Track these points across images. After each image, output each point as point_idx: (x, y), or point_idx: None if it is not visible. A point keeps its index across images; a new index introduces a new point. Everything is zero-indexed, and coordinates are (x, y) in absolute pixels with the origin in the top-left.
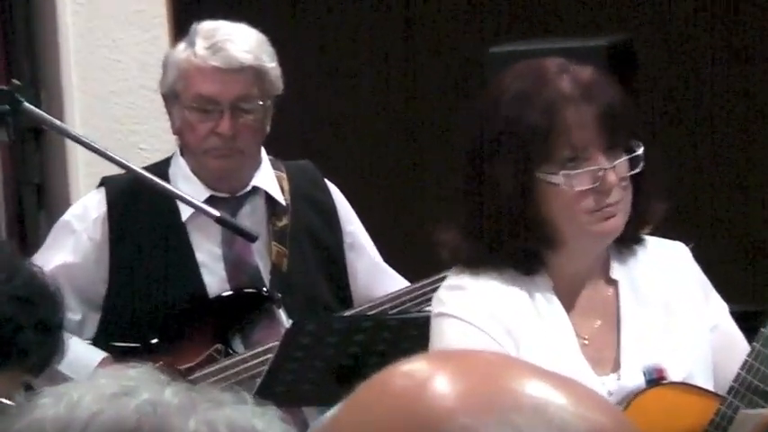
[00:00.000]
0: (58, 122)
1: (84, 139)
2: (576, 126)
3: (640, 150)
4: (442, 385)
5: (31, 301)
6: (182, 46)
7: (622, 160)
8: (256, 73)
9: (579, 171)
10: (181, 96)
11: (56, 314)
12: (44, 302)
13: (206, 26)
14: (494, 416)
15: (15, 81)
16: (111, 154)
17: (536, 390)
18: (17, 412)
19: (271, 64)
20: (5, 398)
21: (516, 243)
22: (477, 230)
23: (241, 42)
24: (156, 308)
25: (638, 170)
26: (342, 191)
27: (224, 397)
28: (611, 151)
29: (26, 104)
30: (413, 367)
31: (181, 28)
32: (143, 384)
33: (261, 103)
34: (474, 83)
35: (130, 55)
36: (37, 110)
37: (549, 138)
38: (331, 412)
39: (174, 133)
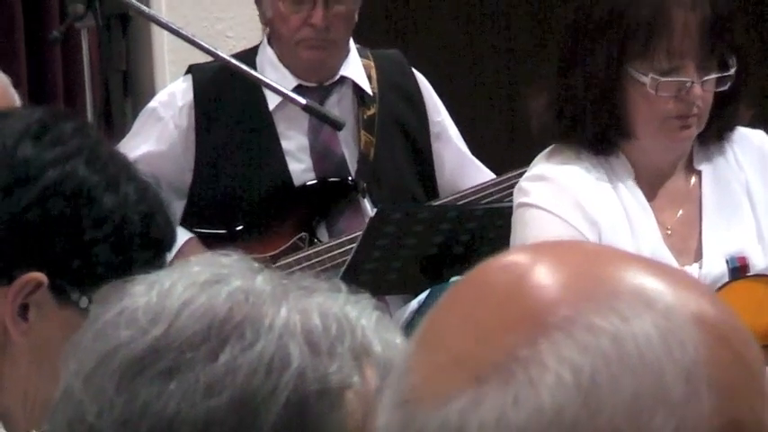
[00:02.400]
0: (145, 8)
1: (171, 25)
2: (679, 33)
3: (733, 70)
4: (542, 277)
5: (157, 221)
6: None
7: (713, 77)
8: None
9: (668, 79)
10: None
11: (172, 238)
12: (165, 224)
13: None
14: (596, 304)
15: None
16: (199, 41)
17: (637, 277)
18: (110, 300)
19: None
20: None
21: (595, 129)
22: (563, 106)
23: None
24: (241, 195)
25: (724, 88)
26: (430, 80)
27: (317, 285)
28: (706, 63)
29: None
30: (511, 260)
31: None
32: (235, 272)
33: None
34: None
35: None
36: None
37: (648, 39)
38: (431, 311)
39: (264, 23)
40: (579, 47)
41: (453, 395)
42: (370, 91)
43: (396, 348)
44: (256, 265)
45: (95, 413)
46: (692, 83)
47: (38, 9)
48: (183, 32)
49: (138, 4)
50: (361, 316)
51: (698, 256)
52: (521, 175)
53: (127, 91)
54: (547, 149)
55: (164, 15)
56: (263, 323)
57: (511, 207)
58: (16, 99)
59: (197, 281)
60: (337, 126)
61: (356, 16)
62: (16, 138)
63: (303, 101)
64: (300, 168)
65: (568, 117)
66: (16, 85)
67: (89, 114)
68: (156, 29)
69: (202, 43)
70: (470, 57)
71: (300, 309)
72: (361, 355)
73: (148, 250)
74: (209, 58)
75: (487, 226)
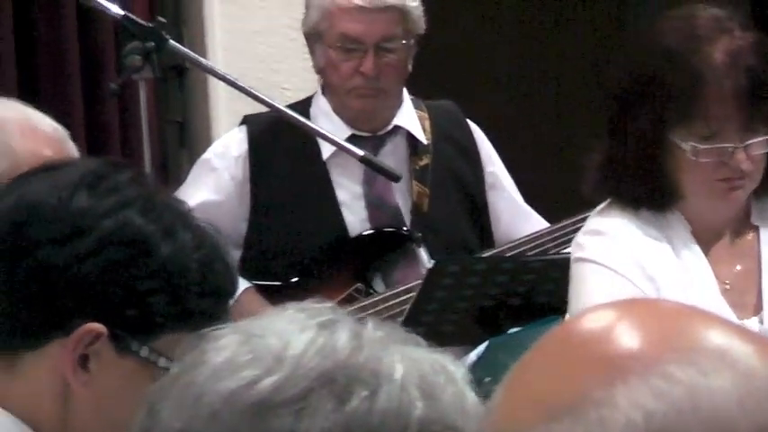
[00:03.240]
0: (202, 60)
1: (227, 77)
2: (715, 100)
3: None
4: (626, 328)
5: (215, 268)
6: None
7: (757, 141)
8: (400, 12)
9: (708, 146)
10: (324, 36)
11: (232, 284)
12: (225, 271)
13: None
14: (677, 355)
15: (160, 18)
16: (255, 91)
17: (719, 335)
18: (196, 350)
19: (413, 3)
20: (170, 357)
21: (644, 190)
22: (613, 167)
23: None
24: (296, 246)
25: None
26: (484, 132)
27: (409, 336)
28: (749, 126)
29: (171, 42)
30: (597, 314)
31: None
32: (342, 317)
33: (404, 42)
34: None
35: None
36: (182, 47)
37: (685, 106)
38: (516, 364)
39: (317, 72)
40: (624, 111)
41: (525, 430)
42: (424, 140)
43: (472, 396)
44: (349, 313)
45: None
46: (735, 148)
47: (95, 61)
48: (240, 84)
49: (195, 55)
50: (454, 366)
51: (757, 310)
52: (574, 223)
53: (183, 142)
54: (603, 204)
55: (220, 67)
56: (383, 369)
57: (567, 258)
58: (74, 152)
59: (311, 324)
60: (394, 178)
61: (409, 66)
62: (71, 189)
63: (360, 152)
64: (355, 219)
65: (618, 178)
66: (74, 138)
67: (146, 165)
68: (212, 80)
69: (259, 94)
70: (525, 108)
71: (411, 357)
72: (462, 401)
73: (208, 298)
74: (265, 109)
75: (544, 278)
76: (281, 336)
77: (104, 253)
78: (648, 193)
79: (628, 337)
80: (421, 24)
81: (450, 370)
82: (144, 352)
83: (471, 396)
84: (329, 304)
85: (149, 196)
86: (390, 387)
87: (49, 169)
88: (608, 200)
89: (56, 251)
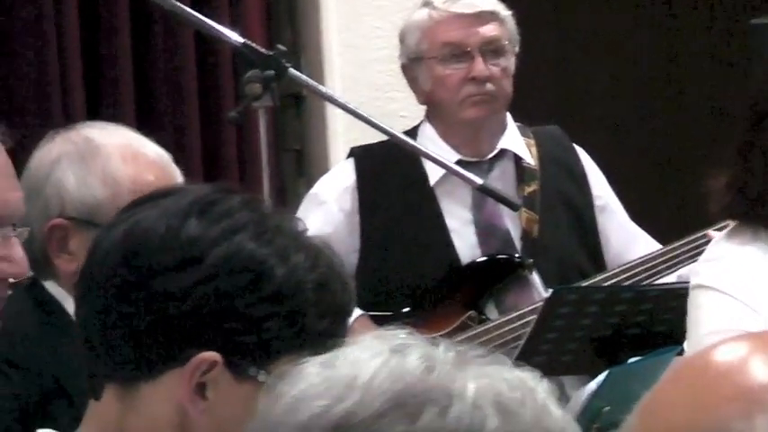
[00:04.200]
0: (321, 88)
1: (346, 104)
2: None
3: None
4: (763, 362)
5: (332, 288)
6: (417, 11)
7: None
8: (497, 17)
9: None
10: (427, 53)
11: (350, 302)
12: (342, 290)
13: None
14: None
15: (280, 46)
16: (374, 120)
17: None
18: (289, 377)
19: (506, 12)
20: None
21: None
22: (744, 188)
23: None
24: (407, 275)
25: None
26: (591, 156)
27: (486, 354)
28: None
29: (291, 69)
30: (730, 347)
31: None
32: (415, 342)
33: (506, 43)
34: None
35: (392, 23)
36: (301, 75)
37: None
38: (653, 387)
39: (422, 101)
40: (758, 129)
41: None
42: (531, 162)
43: (557, 412)
44: (428, 337)
45: None
46: None
47: (213, 89)
48: (358, 111)
49: (314, 83)
50: (536, 383)
51: None
52: (685, 245)
53: (301, 170)
54: (724, 231)
55: (338, 94)
56: (454, 388)
57: (686, 287)
58: (178, 176)
59: (382, 349)
60: (514, 207)
61: (512, 71)
62: (181, 216)
63: (479, 180)
64: (465, 245)
65: (750, 198)
66: (191, 166)
67: (265, 193)
68: (330, 108)
69: (376, 122)
70: (636, 132)
71: (485, 375)
72: (541, 419)
73: (326, 318)
74: (382, 138)
75: (662, 307)
76: (353, 363)
77: (217, 280)
78: None
79: (764, 369)
80: (516, 36)
81: (530, 386)
82: (262, 376)
83: (556, 412)
84: (406, 330)
85: (261, 219)
86: (462, 404)
87: (158, 197)
88: (728, 226)
89: (168, 281)
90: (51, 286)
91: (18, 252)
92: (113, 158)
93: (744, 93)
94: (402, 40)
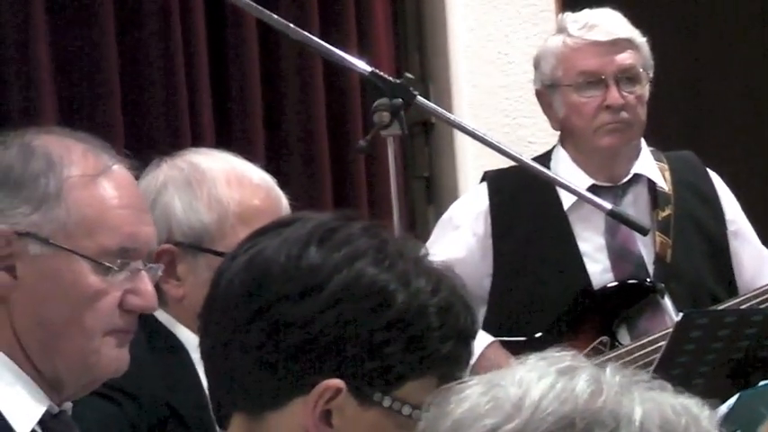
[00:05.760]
0: (449, 115)
1: (474, 131)
2: None
3: None
4: None
5: (454, 311)
6: (552, 38)
7: None
8: (632, 44)
9: None
10: (563, 80)
11: (473, 324)
12: (465, 312)
13: (571, 15)
14: None
15: (408, 74)
16: (503, 146)
17: None
18: (445, 400)
19: (641, 39)
20: (419, 405)
21: None
22: None
23: (610, 18)
24: (540, 300)
25: None
26: (724, 180)
27: (652, 381)
28: None
29: (419, 98)
30: None
31: None
32: (582, 363)
33: (642, 71)
34: None
35: (520, 49)
36: (429, 103)
37: None
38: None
39: (557, 126)
40: None
41: None
42: (665, 187)
43: None
44: (593, 359)
45: None
46: None
47: (342, 118)
48: (487, 138)
49: (442, 110)
50: (699, 409)
51: None
52: None
53: (430, 198)
54: None
55: (466, 121)
56: (622, 412)
57: None
58: (282, 198)
59: (550, 371)
60: (643, 232)
61: (646, 106)
62: (301, 244)
63: (609, 206)
64: (598, 269)
65: None
66: (321, 195)
67: (395, 221)
68: (458, 135)
69: (505, 148)
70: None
71: (651, 399)
72: None
73: (449, 342)
74: (510, 164)
75: None
76: (520, 384)
77: (339, 308)
78: None
79: None
80: (651, 62)
81: (694, 412)
82: (387, 402)
83: None
84: (571, 352)
85: (381, 246)
86: (629, 428)
87: (279, 226)
88: None
89: (290, 309)
90: (160, 314)
91: (147, 286)
92: (219, 183)
93: None
94: (536, 66)
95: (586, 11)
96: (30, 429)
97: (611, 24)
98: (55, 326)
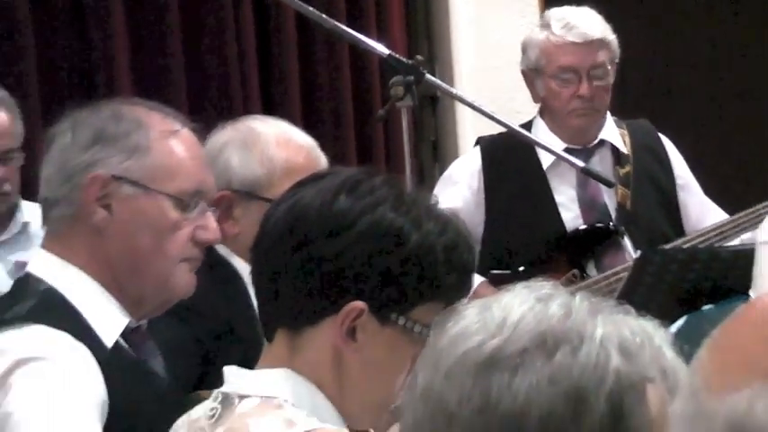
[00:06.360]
0: (452, 90)
1: (473, 104)
2: None
3: None
4: None
5: (458, 249)
6: (537, 30)
7: None
8: (604, 44)
9: None
10: (545, 69)
11: (473, 260)
12: (467, 250)
13: (555, 12)
14: None
15: (419, 57)
16: (495, 115)
17: None
18: (449, 320)
19: (611, 36)
20: (428, 324)
21: None
22: None
23: (588, 20)
24: (523, 242)
25: None
26: (675, 141)
27: (614, 305)
28: None
29: (427, 76)
30: None
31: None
32: (557, 292)
33: (609, 67)
34: None
35: (510, 37)
36: (436, 80)
37: None
38: (722, 325)
39: (537, 101)
40: None
41: (742, 386)
42: (625, 151)
43: (671, 355)
44: (565, 289)
45: (456, 402)
46: None
47: (365, 92)
48: (483, 109)
49: (447, 86)
50: (655, 330)
51: None
52: (750, 214)
53: (436, 157)
54: None
55: (466, 95)
56: (586, 331)
57: (752, 249)
58: (322, 157)
59: (530, 297)
60: (609, 185)
61: (611, 83)
62: (332, 193)
63: (581, 164)
64: (571, 216)
65: None
66: (347, 154)
67: (407, 175)
68: (459, 106)
69: (498, 117)
70: (712, 121)
71: (612, 322)
72: (658, 359)
73: (453, 274)
74: (498, 130)
75: (732, 265)
76: (504, 307)
77: (364, 245)
78: None
79: None
80: (618, 53)
81: (649, 332)
82: (401, 321)
83: (671, 355)
84: (549, 282)
85: (399, 195)
86: (591, 345)
87: (316, 178)
88: None
89: (324, 246)
90: (219, 247)
91: (213, 223)
92: (270, 144)
93: None
94: (524, 51)
95: (568, 11)
96: (114, 340)
97: (588, 26)
98: (142, 253)
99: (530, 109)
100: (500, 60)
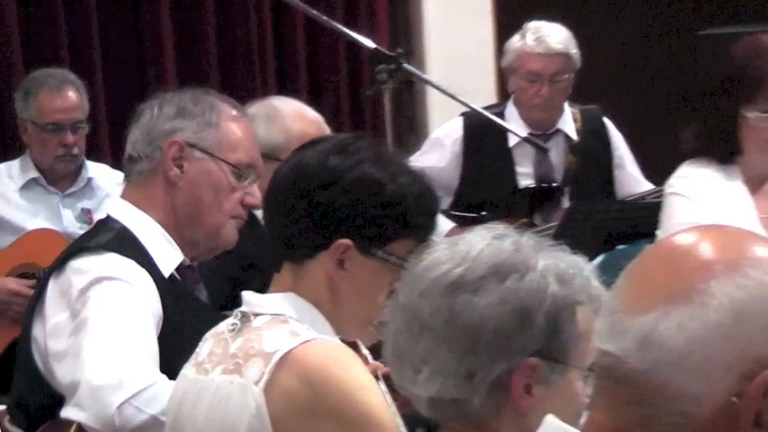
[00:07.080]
0: (424, 76)
1: (440, 86)
2: None
3: None
4: (712, 242)
5: (426, 196)
6: (516, 37)
7: None
8: (565, 56)
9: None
10: (517, 71)
11: (438, 205)
12: (432, 197)
13: (533, 25)
14: (751, 261)
15: (399, 50)
16: (457, 96)
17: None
18: (425, 252)
19: (573, 50)
20: (402, 256)
21: (720, 150)
22: (700, 135)
23: (556, 36)
24: (488, 197)
25: None
26: (619, 128)
27: (554, 244)
28: None
29: (405, 65)
30: (688, 234)
31: (501, 17)
32: (510, 232)
33: (567, 75)
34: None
35: (474, 35)
36: (412, 68)
37: (755, 89)
38: (634, 261)
39: (510, 92)
40: (710, 95)
41: (650, 309)
42: (575, 137)
43: (599, 285)
44: (516, 230)
45: (428, 315)
46: None
47: (357, 76)
48: (449, 91)
49: (420, 73)
50: (584, 264)
51: None
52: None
53: (412, 129)
54: (687, 161)
55: (435, 80)
56: (531, 263)
57: (658, 203)
58: (327, 130)
59: (488, 235)
60: (543, 150)
61: (569, 90)
62: (326, 153)
63: (524, 134)
64: (527, 181)
65: (702, 142)
66: (343, 126)
67: (389, 142)
68: (430, 90)
69: (461, 98)
70: (656, 108)
71: (552, 257)
72: (587, 287)
73: (422, 216)
74: (465, 109)
75: (644, 214)
76: (468, 243)
77: (349, 194)
78: (723, 152)
79: (714, 249)
80: (578, 63)
81: (581, 266)
82: (380, 254)
83: (596, 284)
84: (505, 225)
85: (379, 154)
86: (534, 273)
87: (315, 143)
88: (692, 159)
89: (319, 195)
90: None
91: (257, 191)
92: (288, 118)
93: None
94: (505, 52)
95: (542, 25)
96: (170, 271)
97: (554, 41)
98: (203, 206)
99: (489, 95)
100: (465, 52)
